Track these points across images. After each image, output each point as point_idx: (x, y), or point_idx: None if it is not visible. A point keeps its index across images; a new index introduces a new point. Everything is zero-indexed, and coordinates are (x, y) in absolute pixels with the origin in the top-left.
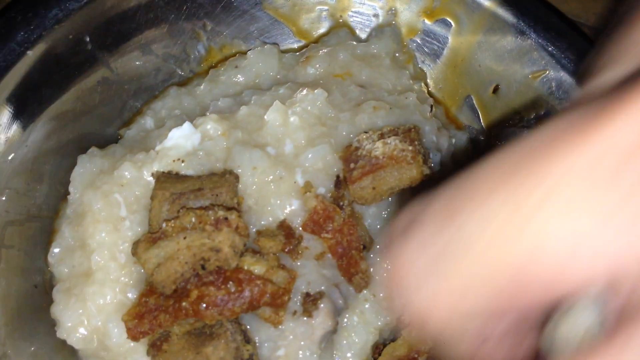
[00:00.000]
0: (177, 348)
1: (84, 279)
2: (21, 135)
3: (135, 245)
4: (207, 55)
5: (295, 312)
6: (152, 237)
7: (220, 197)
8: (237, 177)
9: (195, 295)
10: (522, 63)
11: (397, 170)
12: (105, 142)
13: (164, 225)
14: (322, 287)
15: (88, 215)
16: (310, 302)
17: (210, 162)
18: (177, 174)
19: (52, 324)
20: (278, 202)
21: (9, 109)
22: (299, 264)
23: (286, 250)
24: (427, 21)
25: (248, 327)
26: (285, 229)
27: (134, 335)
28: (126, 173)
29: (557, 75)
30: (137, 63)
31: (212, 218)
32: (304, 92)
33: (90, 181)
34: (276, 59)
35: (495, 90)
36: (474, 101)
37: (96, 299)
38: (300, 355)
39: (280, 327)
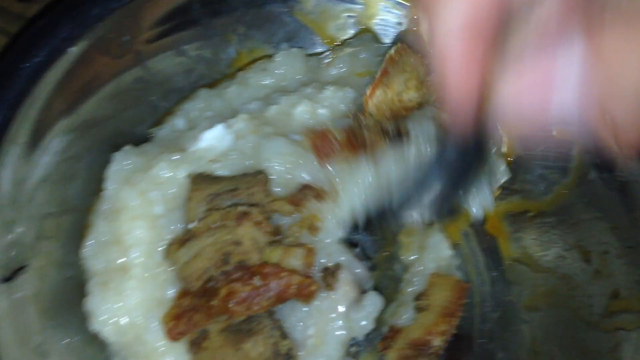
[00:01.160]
0: (216, 345)
1: (121, 273)
2: (58, 130)
3: (168, 247)
4: (237, 58)
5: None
6: (182, 238)
7: (255, 196)
8: (268, 177)
9: (224, 293)
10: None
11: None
12: (136, 141)
13: (190, 225)
14: (343, 258)
15: (124, 211)
16: (330, 275)
17: (242, 160)
18: (210, 175)
19: (83, 318)
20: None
21: (49, 104)
22: (317, 239)
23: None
24: None
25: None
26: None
27: (173, 336)
28: (162, 172)
29: None
30: (171, 64)
31: (234, 213)
32: (332, 88)
33: (125, 178)
34: (302, 62)
35: None
36: None
37: (135, 294)
38: (329, 329)
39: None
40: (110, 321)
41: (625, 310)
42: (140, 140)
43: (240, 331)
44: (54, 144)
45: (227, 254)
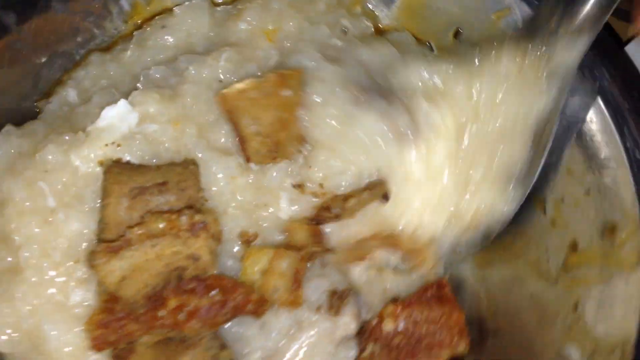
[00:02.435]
0: (146, 359)
1: (10, 276)
2: None
3: (92, 256)
4: (133, 11)
5: (319, 308)
6: (111, 246)
7: (187, 192)
8: (198, 166)
9: (174, 304)
10: (483, 2)
11: None
12: (22, 118)
13: (127, 233)
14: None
15: (9, 205)
16: (337, 298)
17: (154, 148)
18: (129, 164)
19: None
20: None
21: None
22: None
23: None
24: None
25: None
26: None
27: (98, 346)
28: (50, 157)
29: (524, 13)
30: (50, 24)
31: (187, 223)
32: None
33: (8, 165)
34: (207, 15)
35: (456, 35)
36: (434, 49)
37: (29, 299)
38: (315, 352)
39: (301, 319)
40: (1, 330)
41: (584, 264)
42: (28, 117)
43: (173, 343)
44: None
45: (181, 269)
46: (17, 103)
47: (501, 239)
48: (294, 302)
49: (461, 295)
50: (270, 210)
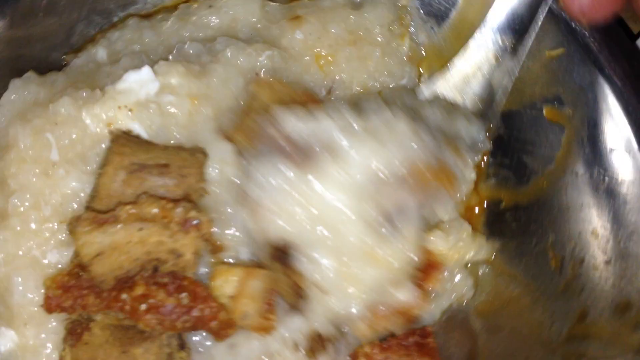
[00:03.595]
0: (99, 341)
1: None
2: None
3: (75, 221)
4: None
5: (296, 346)
6: (98, 217)
7: (187, 179)
8: (206, 157)
9: (140, 292)
10: (537, 36)
11: None
12: (46, 68)
13: (117, 209)
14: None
15: (12, 150)
16: (319, 342)
17: (165, 121)
18: (137, 137)
19: None
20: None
21: None
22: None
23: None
24: None
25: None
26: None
27: (49, 306)
28: (62, 109)
29: (577, 55)
30: None
31: (180, 217)
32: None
33: (21, 111)
34: (258, 6)
35: None
36: None
37: (5, 247)
38: None
39: (273, 350)
40: None
41: (589, 338)
42: (53, 68)
43: (131, 330)
44: None
45: (159, 261)
46: (47, 53)
47: (509, 290)
48: (266, 327)
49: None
50: None
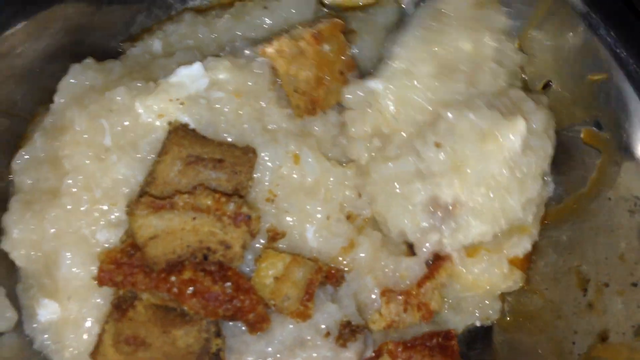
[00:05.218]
0: (143, 319)
1: (49, 197)
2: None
3: (135, 204)
4: None
5: (328, 334)
6: (156, 202)
7: (239, 176)
8: (256, 157)
9: (188, 277)
10: (582, 61)
11: None
12: (103, 54)
13: (175, 197)
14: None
15: (68, 132)
16: (350, 332)
17: (213, 117)
18: (195, 131)
19: None
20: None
21: None
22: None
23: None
24: None
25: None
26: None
27: (102, 280)
28: (118, 98)
29: (619, 82)
30: None
31: (233, 210)
32: None
33: (78, 96)
34: (312, 11)
35: (546, 86)
36: None
37: (57, 224)
38: None
39: (306, 337)
40: (23, 244)
41: (610, 357)
42: (110, 55)
43: (173, 312)
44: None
45: (209, 250)
46: (106, 40)
47: (533, 305)
48: (303, 314)
49: (475, 344)
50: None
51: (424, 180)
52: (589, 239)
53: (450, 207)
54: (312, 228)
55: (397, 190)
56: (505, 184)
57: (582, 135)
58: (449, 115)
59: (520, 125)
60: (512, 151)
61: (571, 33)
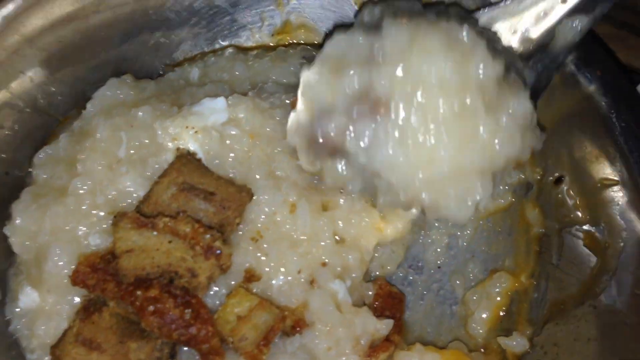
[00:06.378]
0: (105, 325)
1: (56, 194)
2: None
3: (121, 216)
4: (281, 28)
5: None
6: (140, 219)
7: (226, 212)
8: (251, 198)
9: (153, 294)
10: (598, 164)
11: None
12: (143, 72)
13: (157, 217)
14: None
15: (90, 138)
16: None
17: (222, 152)
18: (199, 162)
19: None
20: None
21: None
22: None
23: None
24: None
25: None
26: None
27: (75, 280)
28: (141, 114)
29: (629, 194)
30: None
31: (206, 243)
32: None
33: (108, 107)
34: None
35: (558, 181)
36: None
37: (56, 220)
38: None
39: None
40: (21, 232)
41: None
42: (147, 75)
43: (133, 326)
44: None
45: (177, 274)
46: (150, 61)
47: None
48: (256, 357)
49: None
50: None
51: None
52: (567, 344)
53: None
54: (281, 277)
55: None
56: None
57: (583, 237)
58: None
59: None
60: None
61: (592, 133)
